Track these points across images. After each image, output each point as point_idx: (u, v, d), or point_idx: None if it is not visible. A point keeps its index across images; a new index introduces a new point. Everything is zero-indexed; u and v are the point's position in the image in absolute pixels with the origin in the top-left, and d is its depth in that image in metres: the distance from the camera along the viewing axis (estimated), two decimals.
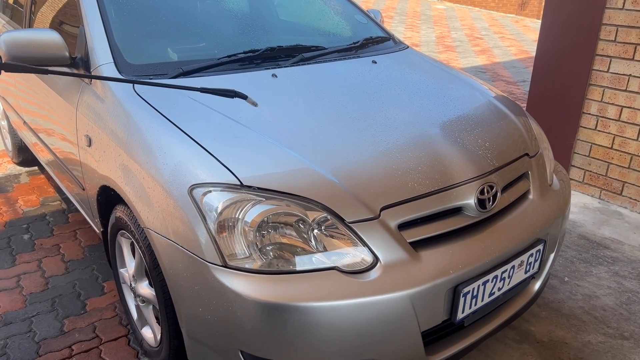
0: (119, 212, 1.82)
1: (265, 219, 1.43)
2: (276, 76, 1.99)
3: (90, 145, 1.91)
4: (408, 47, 2.65)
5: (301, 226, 1.45)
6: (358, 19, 2.78)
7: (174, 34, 2.15)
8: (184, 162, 1.53)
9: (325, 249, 1.45)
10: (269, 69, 2.07)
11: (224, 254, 1.42)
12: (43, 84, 2.37)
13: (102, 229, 2.12)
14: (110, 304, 2.39)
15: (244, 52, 2.11)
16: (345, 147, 1.63)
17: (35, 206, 3.29)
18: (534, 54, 8.72)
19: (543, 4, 12.18)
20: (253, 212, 1.42)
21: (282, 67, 2.10)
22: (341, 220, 1.45)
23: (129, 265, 1.92)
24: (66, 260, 2.74)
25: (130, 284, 1.93)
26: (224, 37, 2.23)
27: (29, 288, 2.50)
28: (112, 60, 1.93)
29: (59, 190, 3.50)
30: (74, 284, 2.54)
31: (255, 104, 1.65)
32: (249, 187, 1.45)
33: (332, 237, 1.46)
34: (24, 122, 2.92)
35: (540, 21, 12.08)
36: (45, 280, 2.57)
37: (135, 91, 1.81)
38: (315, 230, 1.45)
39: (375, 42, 2.56)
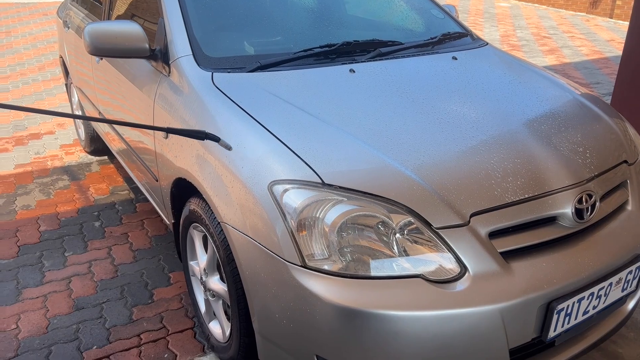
0: (193, 204, 1.81)
1: (346, 220, 1.37)
2: (354, 71, 1.93)
3: (167, 137, 1.91)
4: (487, 43, 2.52)
5: (383, 229, 1.38)
6: (434, 13, 2.67)
7: (250, 27, 2.13)
8: (264, 157, 1.49)
9: (407, 255, 1.37)
10: (345, 64, 2.00)
11: (303, 253, 1.37)
12: (121, 76, 2.41)
13: (173, 221, 2.13)
14: (177, 295, 2.41)
15: (320, 47, 2.05)
16: (430, 147, 1.54)
17: (105, 194, 3.38)
18: (607, 54, 8.22)
19: (615, 2, 11.49)
20: (334, 212, 1.37)
21: (358, 62, 2.03)
22: (427, 225, 1.37)
23: (200, 259, 1.92)
24: (134, 249, 2.79)
25: (201, 278, 1.92)
26: (298, 31, 2.19)
27: (100, 274, 2.56)
28: (191, 53, 1.92)
29: (127, 179, 3.59)
30: (141, 272, 2.59)
31: (229, 148, 1.56)
32: (330, 185, 1.40)
33: (416, 242, 1.38)
34: (99, 112, 3.01)
35: (613, 20, 11.41)
36: (115, 267, 2.62)
37: (214, 83, 1.80)
38: (398, 235, 1.37)
39: (452, 38, 2.44)
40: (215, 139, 1.59)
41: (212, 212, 1.68)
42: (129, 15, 2.52)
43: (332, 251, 1.36)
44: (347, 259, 1.36)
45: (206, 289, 1.90)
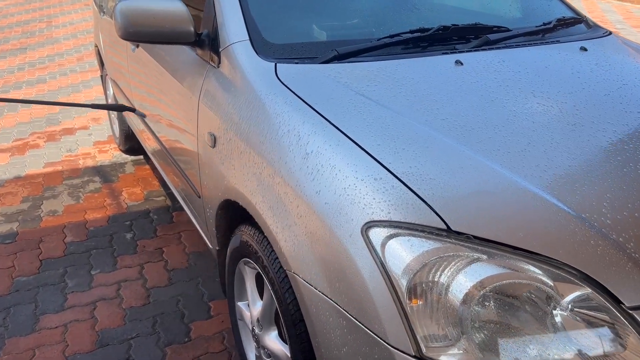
0: (246, 235, 1.39)
1: (487, 287, 0.91)
2: (461, 63, 1.45)
3: (214, 145, 1.49)
4: (610, 32, 1.99)
5: (540, 301, 0.91)
6: None
7: (320, 7, 1.68)
8: (356, 185, 1.04)
9: (573, 340, 0.90)
10: (446, 53, 1.53)
11: (417, 334, 0.91)
12: (159, 66, 2.01)
13: (217, 248, 1.71)
14: (218, 332, 2.00)
15: (410, 32, 1.59)
16: (597, 175, 1.06)
17: (139, 200, 3.02)
18: None
19: None
20: (467, 276, 0.91)
21: (460, 51, 1.56)
22: (615, 302, 0.89)
23: (253, 304, 1.49)
24: (169, 268, 2.40)
25: (253, 329, 1.50)
26: (378, 12, 1.73)
27: (129, 300, 2.18)
28: (248, 38, 1.49)
29: (164, 184, 3.22)
30: (177, 299, 2.19)
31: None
32: (460, 234, 0.94)
33: (589, 324, 0.91)
34: (134, 108, 2.63)
35: None
36: (147, 291, 2.24)
37: (278, 77, 1.36)
38: (564, 312, 0.91)
39: (566, 25, 1.93)
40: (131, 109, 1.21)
41: (274, 252, 1.24)
42: None
43: (461, 333, 0.90)
44: (483, 344, 0.90)
45: (259, 345, 1.47)
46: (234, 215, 1.55)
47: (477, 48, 1.59)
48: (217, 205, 1.54)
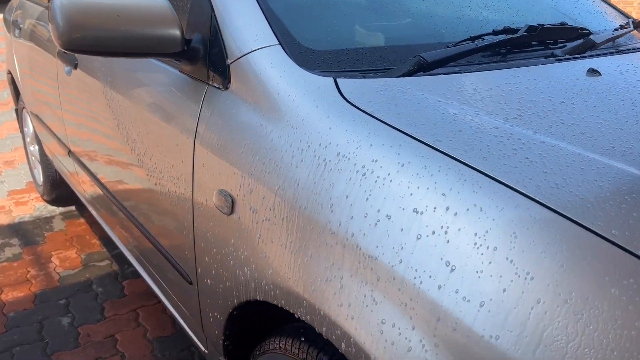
0: (280, 347, 0.84)
1: None
2: (599, 73, 1.01)
3: (232, 212, 0.93)
4: None
5: None
6: None
7: (363, 2, 1.19)
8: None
9: None
10: (548, 58, 1.10)
11: None
12: (113, 91, 1.41)
13: (222, 358, 1.13)
14: None
15: (494, 33, 1.13)
16: None
17: (75, 268, 2.32)
18: None
19: None
20: None
21: (559, 59, 1.13)
22: None
23: None
24: None
25: None
26: (435, 7, 1.26)
27: None
28: (277, 41, 0.96)
29: (106, 240, 2.54)
30: None
31: None
32: None
33: None
34: (70, 151, 1.97)
35: None
36: None
37: (345, 97, 0.84)
38: None
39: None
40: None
41: None
42: None
43: None
44: None
45: None
46: (259, 318, 0.99)
47: (581, 53, 1.17)
48: (233, 305, 0.97)
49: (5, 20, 2.86)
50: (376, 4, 1.16)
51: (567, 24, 1.28)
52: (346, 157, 0.74)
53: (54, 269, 2.30)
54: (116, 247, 2.48)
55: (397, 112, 0.80)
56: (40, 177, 2.89)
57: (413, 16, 1.17)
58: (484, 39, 1.10)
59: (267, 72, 0.91)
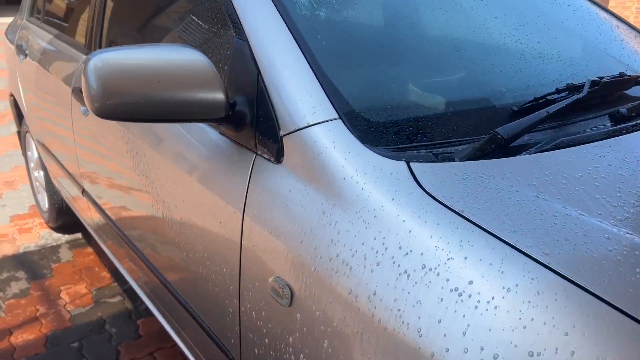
0: None
1: None
2: None
3: (291, 304, 0.84)
4: None
5: None
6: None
7: (405, 57, 1.11)
8: None
9: None
10: (616, 119, 1.03)
11: None
12: (145, 146, 1.32)
13: None
14: None
15: (557, 92, 1.06)
16: None
17: (86, 305, 2.23)
18: None
19: None
20: None
21: (628, 118, 1.06)
22: None
23: None
24: None
25: None
26: (490, 60, 1.18)
27: None
28: (337, 115, 0.88)
29: (116, 273, 2.45)
30: None
31: None
32: None
33: None
34: (83, 191, 1.88)
35: None
36: None
37: (418, 182, 0.76)
38: None
39: None
40: None
41: None
42: (145, 36, 1.45)
43: None
44: None
45: None
46: None
47: None
48: None
49: (8, 38, 2.75)
50: (432, 63, 1.08)
51: (625, 74, 1.21)
52: (434, 271, 0.66)
53: (64, 307, 2.21)
54: (127, 282, 2.39)
55: (488, 211, 0.71)
56: (45, 204, 2.79)
57: (471, 74, 1.09)
58: (547, 99, 1.03)
59: (330, 153, 0.83)
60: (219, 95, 0.96)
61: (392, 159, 0.80)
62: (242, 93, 1.02)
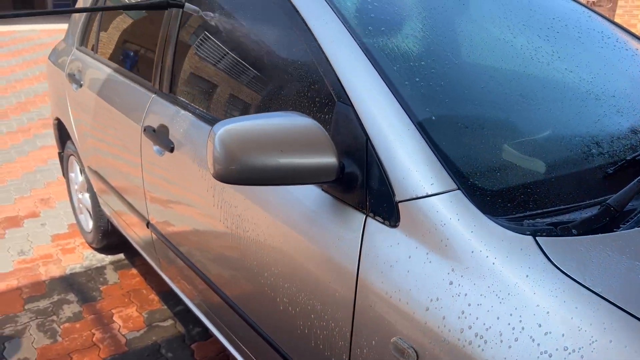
0: None
1: None
2: None
3: None
4: None
5: None
6: None
7: (501, 114, 1.17)
8: None
9: None
10: None
11: None
12: (246, 201, 1.37)
13: None
14: None
15: None
16: None
17: (140, 329, 2.28)
18: None
19: None
20: None
21: None
22: None
23: None
24: None
25: None
26: (569, 116, 1.24)
27: None
28: (456, 186, 0.94)
29: (164, 295, 2.50)
30: None
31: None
32: None
33: None
34: (147, 220, 1.94)
35: None
36: None
37: (549, 258, 0.82)
38: None
39: None
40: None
41: None
42: (226, 86, 1.50)
43: None
44: None
45: None
46: None
47: None
48: None
49: (53, 63, 2.79)
50: (544, 128, 1.14)
51: None
52: (578, 353, 0.72)
53: (119, 330, 2.27)
54: (177, 304, 2.45)
55: (624, 291, 0.77)
56: (88, 225, 2.84)
57: (537, 131, 1.15)
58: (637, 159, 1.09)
59: (454, 225, 0.89)
60: (332, 160, 1.02)
61: (517, 232, 0.86)
62: (350, 156, 1.07)
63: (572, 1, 1.80)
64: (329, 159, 1.02)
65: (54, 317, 2.34)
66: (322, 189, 1.14)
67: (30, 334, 2.22)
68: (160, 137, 1.65)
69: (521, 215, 0.92)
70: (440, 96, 1.11)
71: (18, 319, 2.32)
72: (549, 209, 0.95)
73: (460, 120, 1.08)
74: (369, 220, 1.03)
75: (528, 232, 0.86)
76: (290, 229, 1.18)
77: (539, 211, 0.93)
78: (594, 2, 11.29)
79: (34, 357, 2.09)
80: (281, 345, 1.28)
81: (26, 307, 2.40)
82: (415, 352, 0.90)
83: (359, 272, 1.01)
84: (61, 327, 2.28)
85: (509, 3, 1.55)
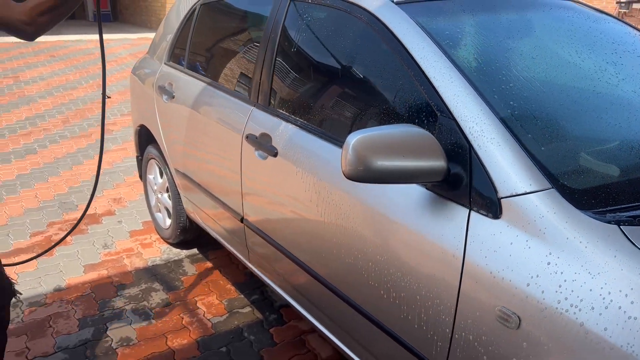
0: None
1: None
2: None
3: (519, 327, 1.13)
4: None
5: None
6: None
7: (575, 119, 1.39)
8: None
9: None
10: None
11: None
12: (332, 184, 1.62)
13: None
14: None
15: None
16: None
17: (222, 314, 2.55)
18: None
19: None
20: None
21: None
22: None
23: None
24: None
25: None
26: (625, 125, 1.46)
27: None
28: (551, 186, 1.17)
29: (240, 285, 2.77)
30: None
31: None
32: None
33: None
34: (242, 217, 2.20)
35: None
36: None
37: (632, 242, 1.04)
38: None
39: None
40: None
41: None
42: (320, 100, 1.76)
43: None
44: None
45: None
46: None
47: None
48: None
49: (139, 78, 3.08)
50: (625, 126, 1.36)
51: None
52: None
53: (204, 316, 2.53)
54: (253, 294, 2.70)
55: None
56: (165, 222, 3.13)
57: (606, 142, 1.37)
58: None
59: (551, 217, 1.12)
60: (442, 163, 1.26)
61: (604, 222, 1.09)
62: (454, 161, 1.31)
63: (624, 24, 2.01)
64: (440, 163, 1.26)
65: (145, 303, 2.62)
66: (426, 188, 1.38)
67: (127, 317, 2.51)
68: (264, 143, 1.91)
69: (604, 209, 1.14)
70: (530, 112, 1.35)
71: (114, 303, 2.61)
72: (627, 205, 1.17)
73: (549, 131, 1.31)
74: (473, 213, 1.26)
75: (613, 222, 1.09)
76: (394, 221, 1.42)
77: (619, 206, 1.16)
78: (625, 12, 11.30)
79: (134, 336, 2.37)
80: (391, 326, 1.52)
81: (119, 294, 2.69)
82: (518, 317, 1.13)
83: (465, 255, 1.24)
84: (153, 311, 2.56)
85: (576, 30, 1.77)
